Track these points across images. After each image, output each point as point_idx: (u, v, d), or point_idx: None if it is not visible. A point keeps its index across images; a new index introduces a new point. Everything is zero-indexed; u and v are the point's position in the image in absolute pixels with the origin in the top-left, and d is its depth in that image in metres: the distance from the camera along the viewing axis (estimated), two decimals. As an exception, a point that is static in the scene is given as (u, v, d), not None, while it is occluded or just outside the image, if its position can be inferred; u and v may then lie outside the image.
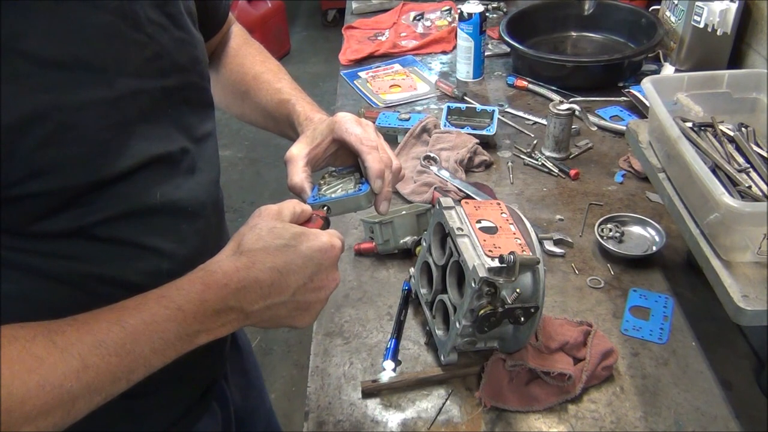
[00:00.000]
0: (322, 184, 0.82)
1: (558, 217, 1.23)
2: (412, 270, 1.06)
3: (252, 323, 0.66)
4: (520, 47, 1.66)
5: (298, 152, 0.80)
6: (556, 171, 1.35)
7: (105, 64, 0.61)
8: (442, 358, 0.93)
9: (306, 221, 0.72)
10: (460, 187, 1.27)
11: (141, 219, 0.67)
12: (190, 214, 0.73)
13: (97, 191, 0.62)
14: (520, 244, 0.85)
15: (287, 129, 0.90)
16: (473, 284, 0.80)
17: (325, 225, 0.74)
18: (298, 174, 0.79)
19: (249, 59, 0.97)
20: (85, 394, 0.55)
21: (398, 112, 1.55)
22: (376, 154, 0.78)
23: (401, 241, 1.13)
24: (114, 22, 0.62)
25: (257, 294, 0.63)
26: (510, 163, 1.39)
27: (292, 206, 0.71)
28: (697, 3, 1.52)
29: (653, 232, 1.15)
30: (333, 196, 0.79)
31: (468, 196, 1.25)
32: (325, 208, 0.77)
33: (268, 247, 0.64)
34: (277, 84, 0.92)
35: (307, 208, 0.73)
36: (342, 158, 0.84)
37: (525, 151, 1.42)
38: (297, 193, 0.79)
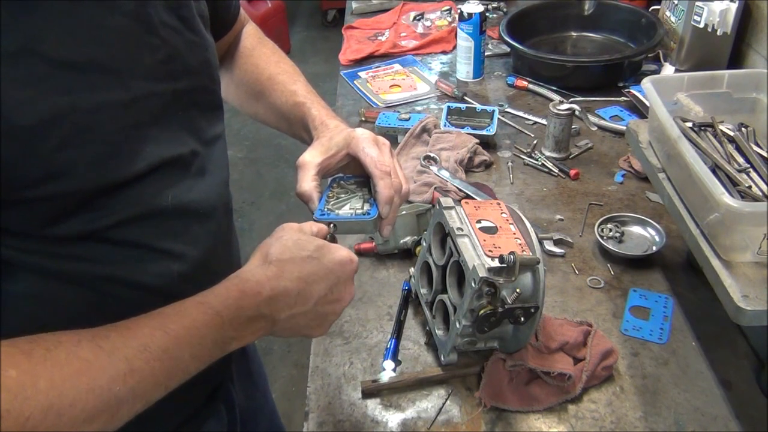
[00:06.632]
0: (330, 198, 0.82)
1: (558, 217, 1.23)
2: (412, 270, 1.06)
3: (275, 332, 0.67)
4: (520, 47, 1.66)
5: (311, 159, 0.81)
6: (556, 171, 1.35)
7: (119, 66, 0.61)
8: (442, 358, 0.93)
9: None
10: (460, 187, 1.27)
11: (153, 222, 0.67)
12: (201, 216, 0.73)
13: (110, 194, 0.62)
14: (520, 244, 0.85)
15: (301, 131, 0.90)
16: (473, 284, 0.80)
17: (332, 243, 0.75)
18: (308, 182, 0.80)
19: (263, 60, 0.97)
20: (130, 399, 0.55)
21: (398, 112, 1.55)
22: (388, 180, 0.79)
23: (401, 241, 1.13)
24: (128, 25, 0.62)
25: (285, 303, 0.66)
26: (510, 163, 1.39)
27: (310, 225, 0.74)
28: (697, 3, 1.52)
29: (653, 232, 1.15)
30: (341, 214, 0.80)
31: (468, 196, 1.25)
32: (332, 225, 0.78)
33: (294, 257, 0.67)
34: (293, 86, 0.92)
35: (323, 227, 0.76)
36: (352, 169, 0.85)
37: (525, 151, 1.42)
38: (304, 201, 0.80)
